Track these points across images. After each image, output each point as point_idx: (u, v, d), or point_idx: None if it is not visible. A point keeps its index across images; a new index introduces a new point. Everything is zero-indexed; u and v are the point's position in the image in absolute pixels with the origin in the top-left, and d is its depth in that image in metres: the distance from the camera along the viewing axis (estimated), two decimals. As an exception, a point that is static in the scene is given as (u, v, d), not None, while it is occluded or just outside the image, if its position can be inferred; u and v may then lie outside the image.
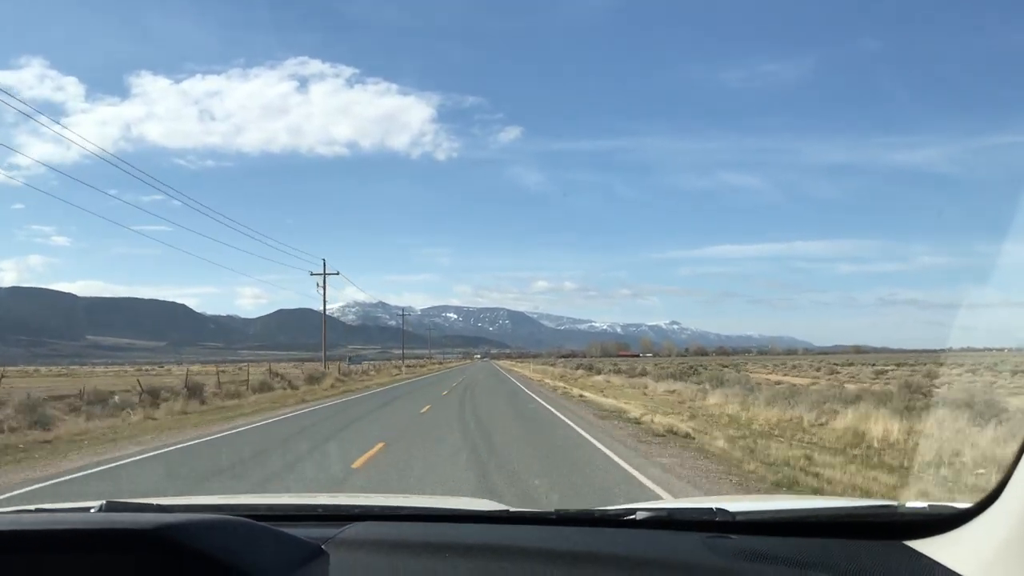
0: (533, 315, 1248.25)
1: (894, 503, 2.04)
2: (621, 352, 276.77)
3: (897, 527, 1.93)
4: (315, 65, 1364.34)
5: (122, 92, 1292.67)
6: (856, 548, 1.86)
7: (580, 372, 65.37)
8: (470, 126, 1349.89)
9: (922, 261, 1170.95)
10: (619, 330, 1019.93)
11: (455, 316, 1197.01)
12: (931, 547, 1.79)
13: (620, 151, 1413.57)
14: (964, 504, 1.80)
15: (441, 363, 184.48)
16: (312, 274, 54.39)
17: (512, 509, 2.37)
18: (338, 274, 54.75)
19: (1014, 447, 1.64)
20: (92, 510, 2.05)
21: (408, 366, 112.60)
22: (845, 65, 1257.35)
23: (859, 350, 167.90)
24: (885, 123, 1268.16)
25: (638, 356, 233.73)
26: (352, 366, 72.37)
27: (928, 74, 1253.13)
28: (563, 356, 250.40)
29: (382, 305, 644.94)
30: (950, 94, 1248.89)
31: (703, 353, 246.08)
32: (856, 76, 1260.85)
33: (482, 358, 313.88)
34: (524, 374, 74.49)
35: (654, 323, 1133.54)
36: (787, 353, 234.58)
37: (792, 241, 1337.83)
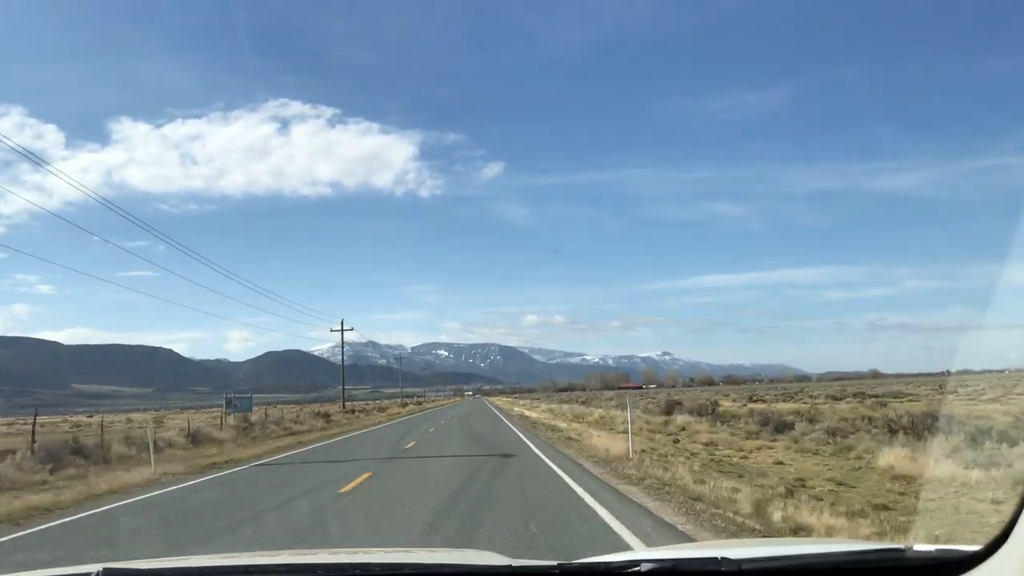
0: (524, 350, 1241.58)
1: (901, 547, 1.99)
2: (622, 384, 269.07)
3: (905, 571, 1.88)
4: (296, 106, 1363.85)
5: (102, 138, 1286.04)
6: None
7: (685, 419, 33.83)
8: (453, 163, 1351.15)
9: (909, 285, 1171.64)
10: (611, 362, 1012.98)
11: (446, 353, 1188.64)
12: None
13: (604, 184, 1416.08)
14: (973, 547, 1.76)
15: (420, 403, 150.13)
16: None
17: (515, 563, 2.32)
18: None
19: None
20: None
21: (362, 411, 79.36)
22: (824, 93, 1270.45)
23: (877, 375, 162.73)
24: (867, 149, 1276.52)
25: (641, 388, 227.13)
26: (234, 413, 45.07)
27: (908, 100, 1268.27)
28: (560, 390, 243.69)
29: (372, 344, 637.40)
30: (930, 119, 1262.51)
31: (710, 383, 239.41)
32: (836, 103, 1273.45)
33: (473, 395, 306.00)
34: (562, 429, 32.74)
35: (646, 354, 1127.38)
36: (798, 380, 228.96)
37: (779, 269, 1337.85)
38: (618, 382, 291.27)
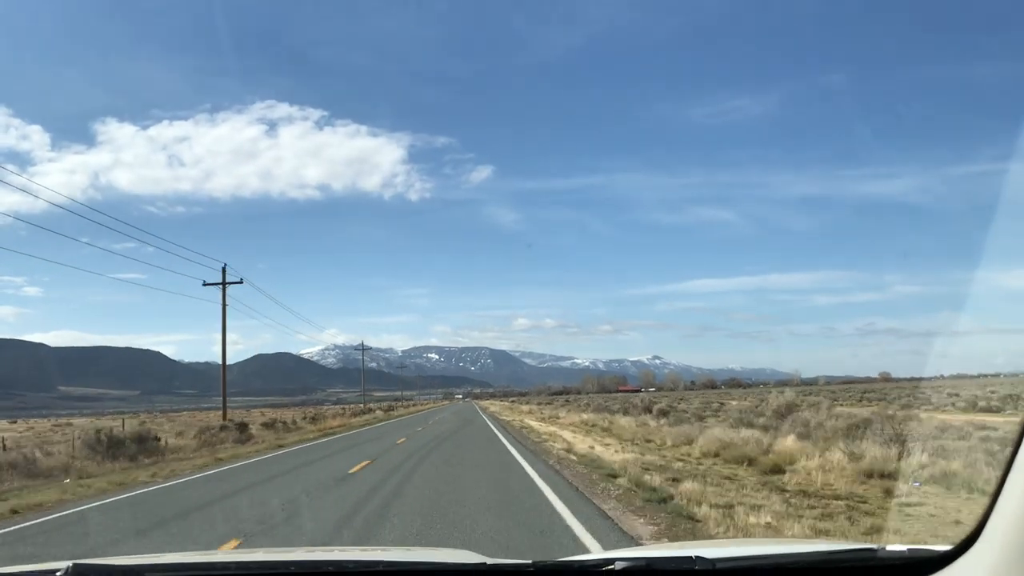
0: (515, 353, 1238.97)
1: (874, 546, 2.04)
2: (620, 387, 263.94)
3: (877, 571, 1.92)
4: (283, 108, 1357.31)
5: (88, 140, 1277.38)
6: None
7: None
8: (441, 166, 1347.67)
9: (897, 290, 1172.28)
10: (601, 366, 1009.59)
11: (437, 356, 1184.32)
12: None
13: (593, 188, 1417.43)
14: (944, 547, 1.79)
15: (391, 408, 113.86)
16: None
17: (490, 561, 2.35)
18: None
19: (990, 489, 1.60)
20: (58, 573, 2.02)
21: (272, 425, 46.53)
22: (811, 99, 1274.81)
23: (886, 378, 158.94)
24: (853, 155, 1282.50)
25: (639, 391, 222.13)
26: None
27: (893, 106, 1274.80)
28: (555, 393, 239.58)
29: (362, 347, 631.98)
30: (916, 126, 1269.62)
31: (712, 386, 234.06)
32: (822, 109, 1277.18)
33: (463, 398, 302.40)
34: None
35: (636, 358, 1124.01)
36: (805, 383, 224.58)
37: (768, 274, 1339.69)
38: (615, 385, 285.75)
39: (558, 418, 48.73)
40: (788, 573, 1.99)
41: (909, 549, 1.89)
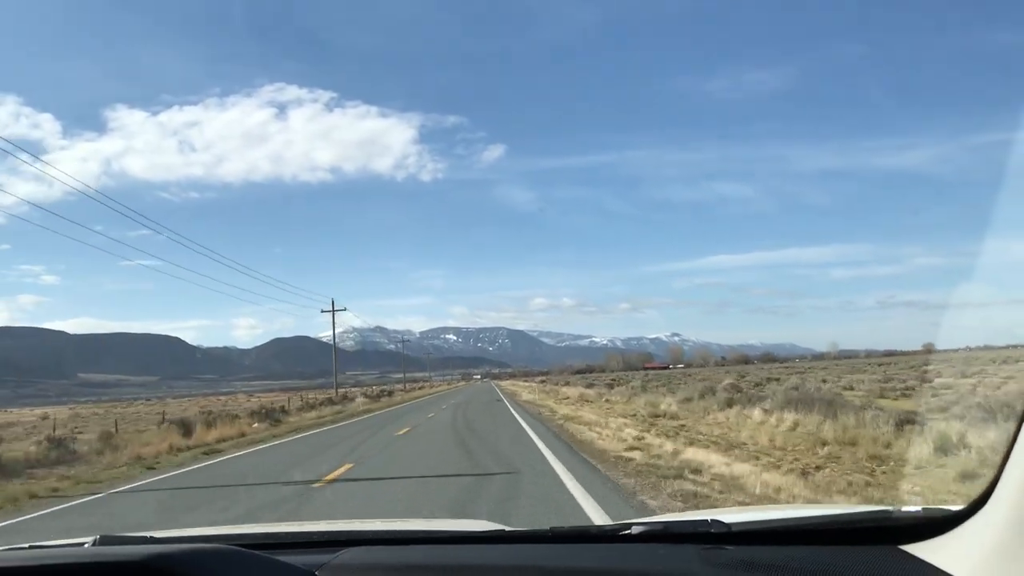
0: (533, 333, 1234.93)
1: (889, 508, 2.07)
2: (647, 365, 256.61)
3: (892, 531, 1.93)
4: (292, 91, 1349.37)
5: (99, 127, 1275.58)
6: (852, 554, 1.88)
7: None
8: (453, 146, 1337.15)
9: (917, 263, 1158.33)
10: (620, 344, 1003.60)
11: (454, 337, 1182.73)
12: (925, 550, 1.80)
13: (608, 165, 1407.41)
14: (956, 506, 1.82)
15: (382, 395, 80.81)
16: None
17: (507, 528, 2.37)
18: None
19: (1002, 449, 1.65)
20: (86, 544, 2.05)
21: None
22: (828, 70, 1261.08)
23: (930, 350, 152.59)
24: (871, 127, 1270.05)
25: (668, 367, 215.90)
26: None
27: (911, 76, 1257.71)
28: (577, 372, 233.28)
29: (380, 330, 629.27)
30: (935, 95, 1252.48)
31: (746, 361, 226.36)
32: (839, 81, 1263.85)
33: (482, 379, 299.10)
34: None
35: (655, 336, 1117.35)
36: (843, 357, 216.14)
37: (787, 248, 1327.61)
38: (641, 362, 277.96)
39: (682, 426, 19.93)
40: (804, 535, 2.01)
41: (923, 509, 1.92)
